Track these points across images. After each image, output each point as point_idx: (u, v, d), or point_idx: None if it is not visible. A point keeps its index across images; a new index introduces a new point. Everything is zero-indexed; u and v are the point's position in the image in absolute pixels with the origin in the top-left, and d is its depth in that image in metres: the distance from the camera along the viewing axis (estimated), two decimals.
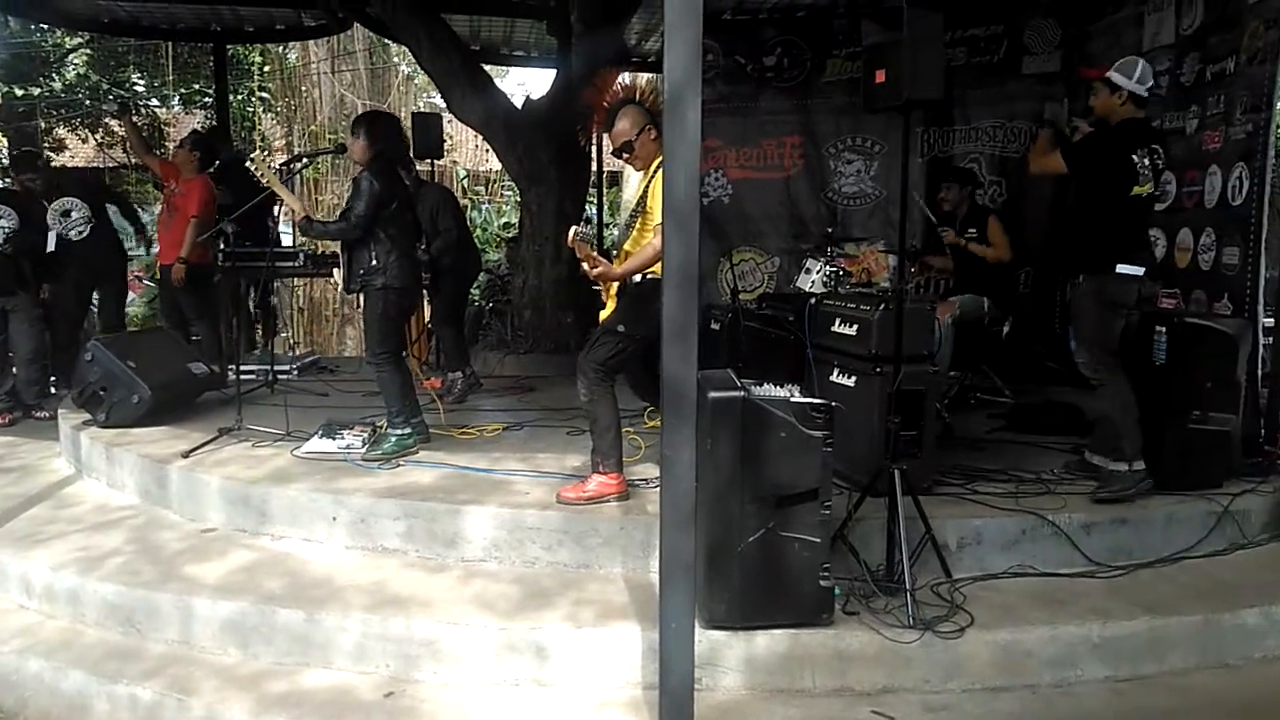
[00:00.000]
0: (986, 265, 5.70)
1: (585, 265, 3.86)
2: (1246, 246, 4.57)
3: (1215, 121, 4.91)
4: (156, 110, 15.27)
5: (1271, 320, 4.56)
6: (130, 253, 7.85)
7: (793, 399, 3.20)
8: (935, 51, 3.43)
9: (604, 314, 4.09)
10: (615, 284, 3.97)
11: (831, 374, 4.28)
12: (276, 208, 6.26)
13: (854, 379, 4.12)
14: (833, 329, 4.31)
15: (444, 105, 8.42)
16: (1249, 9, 4.62)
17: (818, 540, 3.13)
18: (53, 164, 6.72)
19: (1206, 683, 3.21)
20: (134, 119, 7.63)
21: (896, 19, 3.36)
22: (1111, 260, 3.93)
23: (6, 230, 5.97)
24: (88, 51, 14.10)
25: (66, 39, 14.00)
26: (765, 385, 3.33)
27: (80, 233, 6.39)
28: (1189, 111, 5.16)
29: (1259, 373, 4.45)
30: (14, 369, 6.23)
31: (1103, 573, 3.64)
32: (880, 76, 3.43)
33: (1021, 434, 5.02)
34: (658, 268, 3.69)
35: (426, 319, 7.12)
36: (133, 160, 11.87)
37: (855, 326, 4.14)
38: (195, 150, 6.43)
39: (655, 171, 3.83)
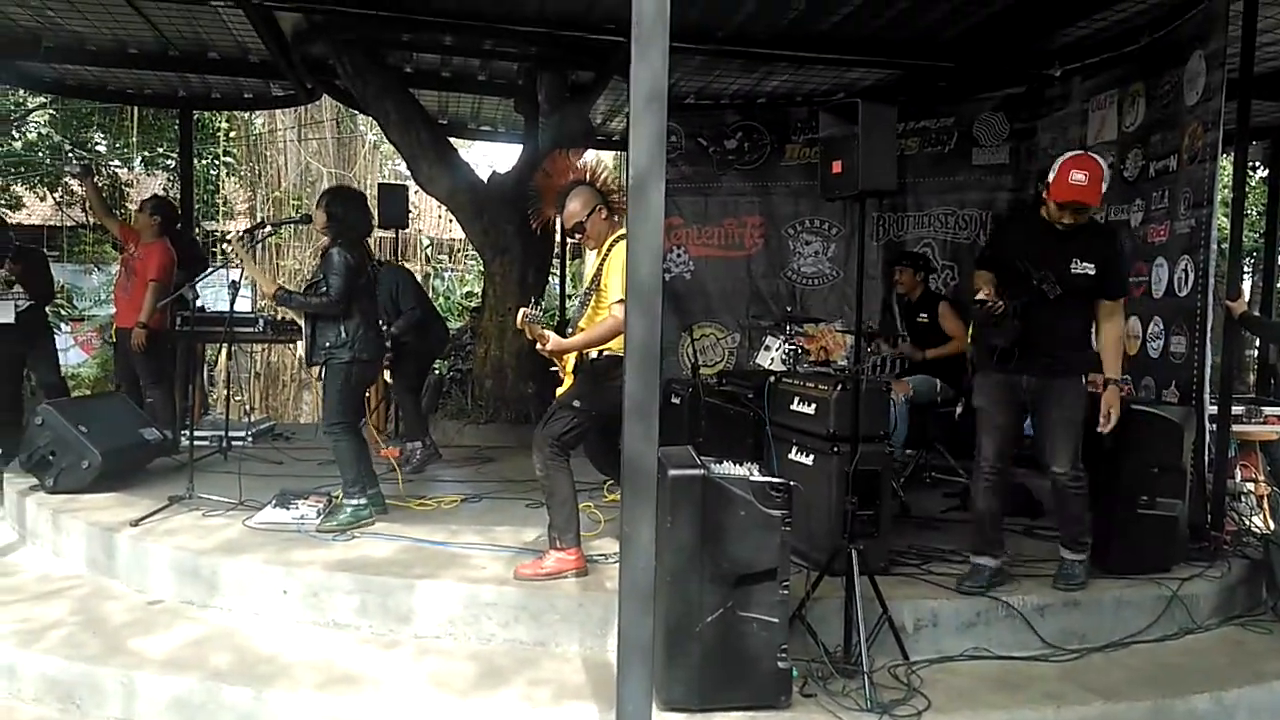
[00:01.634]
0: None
1: (538, 344, 3.91)
2: (1193, 336, 4.73)
3: (1160, 216, 5.12)
4: (118, 171, 15.21)
5: (1215, 408, 4.68)
6: (85, 312, 7.72)
7: (752, 477, 3.22)
8: (889, 145, 3.57)
9: (561, 389, 4.13)
10: (571, 360, 4.02)
11: (790, 452, 4.33)
12: (239, 273, 6.24)
13: (812, 458, 4.17)
14: (791, 407, 4.38)
15: (409, 175, 8.50)
16: (1188, 111, 4.85)
17: (776, 620, 3.13)
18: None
19: None
20: (95, 180, 7.55)
21: (852, 111, 3.49)
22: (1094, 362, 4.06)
23: None
24: (50, 111, 14.06)
25: (29, 99, 13.96)
26: (725, 463, 3.36)
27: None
28: (1134, 205, 5.37)
29: (1205, 459, 4.57)
30: None
31: (1056, 656, 3.67)
32: (836, 167, 3.55)
33: None
34: (615, 344, 3.76)
35: (385, 388, 7.08)
36: (91, 220, 11.77)
37: (814, 405, 4.20)
38: (155, 214, 6.38)
39: (609, 250, 3.92)
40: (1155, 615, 3.90)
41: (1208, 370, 4.63)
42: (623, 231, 3.98)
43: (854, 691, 3.24)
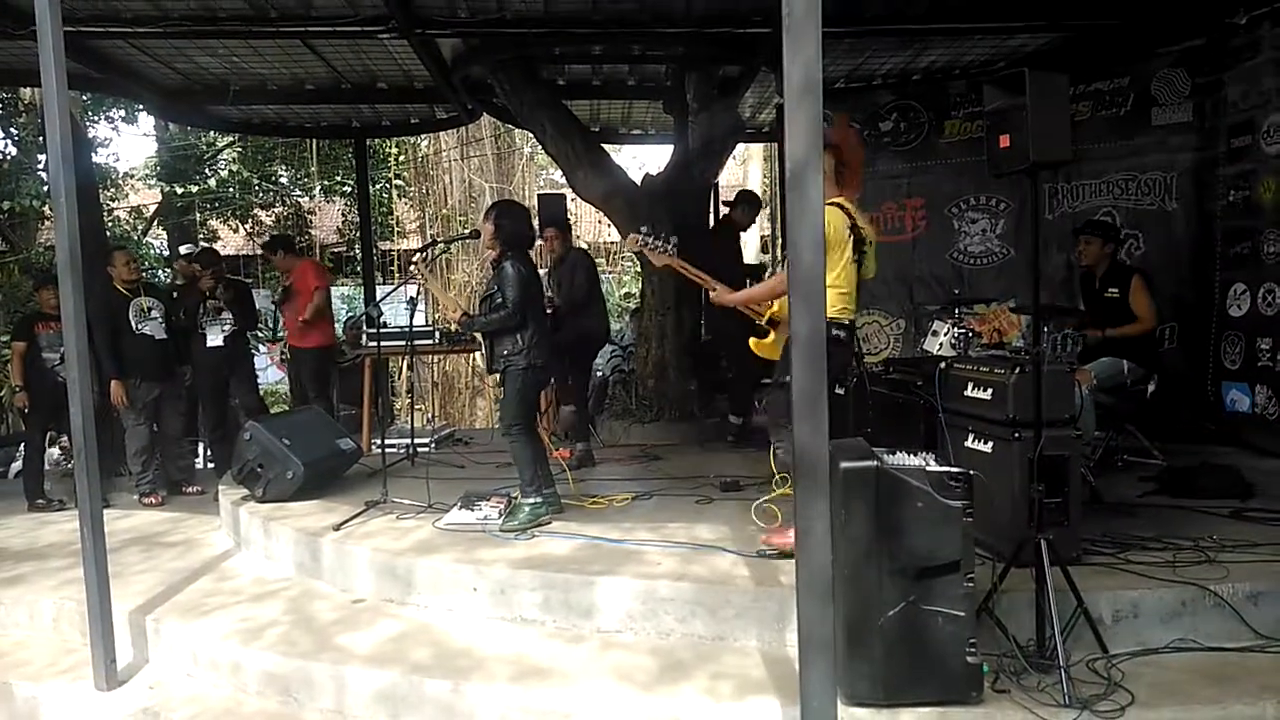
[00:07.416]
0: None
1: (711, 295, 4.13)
2: None
3: None
4: (300, 200, 16.32)
5: None
6: (281, 333, 8.40)
7: (929, 468, 3.15)
8: (1061, 113, 3.39)
9: (755, 342, 4.36)
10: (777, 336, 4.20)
11: (966, 440, 4.19)
12: (416, 290, 6.58)
13: (990, 445, 4.02)
14: (965, 393, 4.23)
15: (565, 183, 8.73)
16: None
17: (962, 614, 3.04)
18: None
19: None
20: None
21: (1018, 82, 3.34)
22: None
23: (159, 320, 6.49)
24: (238, 149, 15.25)
25: (219, 139, 15.21)
26: (898, 453, 3.28)
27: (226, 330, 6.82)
28: None
29: None
30: (159, 450, 6.68)
31: (1273, 647, 3.39)
32: (1004, 141, 3.41)
33: (1175, 498, 4.77)
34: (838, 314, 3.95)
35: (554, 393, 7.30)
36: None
37: (990, 390, 4.05)
38: (279, 251, 7.35)
39: None
40: None
41: None
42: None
43: (1050, 687, 3.11)
